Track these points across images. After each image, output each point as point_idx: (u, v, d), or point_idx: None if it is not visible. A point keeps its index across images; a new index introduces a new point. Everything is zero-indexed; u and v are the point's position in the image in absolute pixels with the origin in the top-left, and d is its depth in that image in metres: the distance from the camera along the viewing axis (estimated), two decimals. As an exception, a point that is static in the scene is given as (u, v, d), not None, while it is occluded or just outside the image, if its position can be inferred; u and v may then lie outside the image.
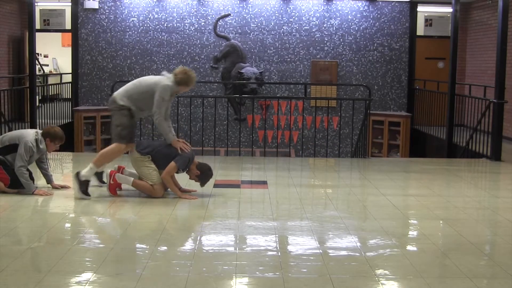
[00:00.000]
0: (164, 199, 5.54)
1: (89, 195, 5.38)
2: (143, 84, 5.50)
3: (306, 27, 12.97)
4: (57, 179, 6.83)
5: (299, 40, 12.99)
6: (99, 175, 5.85)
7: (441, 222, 5.01)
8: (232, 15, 12.89)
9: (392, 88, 13.19)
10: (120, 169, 5.71)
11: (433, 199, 5.68)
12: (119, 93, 5.50)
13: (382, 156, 12.29)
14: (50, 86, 13.23)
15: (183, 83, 5.47)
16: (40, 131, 5.62)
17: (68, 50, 13.87)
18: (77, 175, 5.37)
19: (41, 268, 3.60)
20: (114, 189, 5.55)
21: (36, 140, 5.50)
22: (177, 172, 5.53)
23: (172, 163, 5.42)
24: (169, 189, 5.61)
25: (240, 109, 12.81)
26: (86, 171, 5.39)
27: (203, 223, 4.64)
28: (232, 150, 11.30)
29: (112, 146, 5.48)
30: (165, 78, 5.47)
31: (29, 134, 5.52)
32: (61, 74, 14.64)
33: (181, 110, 11.72)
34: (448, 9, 12.34)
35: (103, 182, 5.80)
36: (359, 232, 4.51)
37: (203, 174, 5.59)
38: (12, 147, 5.45)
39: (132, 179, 5.53)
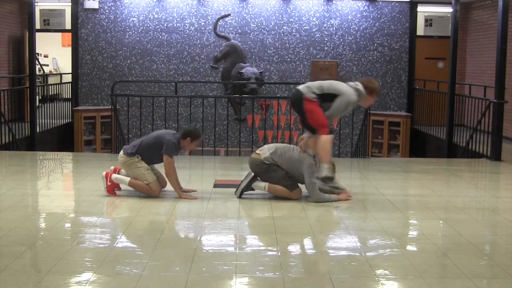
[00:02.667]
0: (164, 199, 5.54)
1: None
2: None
3: (306, 27, 12.97)
4: (57, 179, 6.84)
5: (299, 40, 12.99)
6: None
7: (441, 222, 5.01)
8: (232, 15, 12.89)
9: (392, 88, 13.19)
10: (116, 170, 5.70)
11: (433, 199, 5.68)
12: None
13: (382, 156, 12.29)
14: (50, 86, 13.23)
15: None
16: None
17: (68, 50, 13.87)
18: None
19: (41, 268, 3.60)
20: (112, 189, 5.54)
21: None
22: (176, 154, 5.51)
23: (165, 158, 5.40)
24: (166, 188, 5.61)
25: (240, 109, 12.81)
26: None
27: (203, 223, 4.64)
28: (232, 150, 11.30)
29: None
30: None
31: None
32: (61, 74, 14.64)
33: (181, 110, 11.72)
34: (448, 9, 12.34)
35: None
36: (359, 232, 4.51)
37: (193, 135, 5.51)
38: None
39: (128, 179, 5.53)
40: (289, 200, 5.54)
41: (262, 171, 5.51)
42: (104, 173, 5.58)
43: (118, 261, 3.66)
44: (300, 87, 5.47)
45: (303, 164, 5.42)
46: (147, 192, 5.48)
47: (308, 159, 5.43)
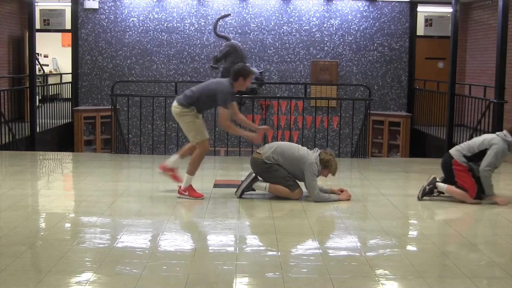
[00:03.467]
0: (164, 199, 5.54)
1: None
2: None
3: (306, 27, 12.97)
4: (57, 179, 6.84)
5: (299, 40, 12.99)
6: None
7: (441, 222, 5.01)
8: (232, 15, 12.89)
9: (392, 88, 13.19)
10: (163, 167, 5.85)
11: (433, 199, 5.67)
12: None
13: (382, 156, 12.29)
14: (50, 86, 13.22)
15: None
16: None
17: (68, 50, 13.87)
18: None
19: (41, 268, 3.60)
20: (176, 176, 5.75)
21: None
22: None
23: (221, 110, 5.45)
24: (167, 188, 5.60)
25: (240, 109, 12.80)
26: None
27: (203, 223, 4.64)
28: (232, 150, 11.29)
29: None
30: (312, 157, 5.49)
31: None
32: (61, 74, 14.64)
33: (181, 110, 11.71)
34: (448, 9, 12.34)
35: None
36: (359, 232, 4.51)
37: (244, 73, 5.52)
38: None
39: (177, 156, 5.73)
40: (289, 200, 5.54)
41: (264, 170, 5.51)
42: (159, 169, 5.76)
43: (118, 261, 3.66)
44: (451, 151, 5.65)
45: (304, 163, 5.41)
46: (202, 154, 5.65)
47: (309, 158, 5.43)
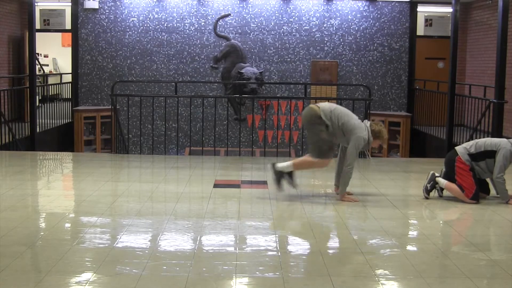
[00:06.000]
0: (164, 199, 5.55)
1: (283, 189, 5.57)
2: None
3: (306, 27, 12.97)
4: (57, 179, 6.84)
5: (299, 40, 12.99)
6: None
7: (441, 222, 5.01)
8: (232, 15, 12.89)
9: (392, 88, 13.19)
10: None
11: (433, 199, 5.68)
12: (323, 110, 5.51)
13: (382, 156, 12.28)
14: (50, 86, 13.23)
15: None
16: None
17: (68, 50, 13.87)
18: (274, 167, 5.58)
19: (41, 268, 3.60)
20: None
21: None
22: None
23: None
24: (167, 188, 5.59)
25: (240, 109, 12.81)
26: (285, 165, 5.56)
27: (203, 223, 4.64)
28: (232, 150, 11.30)
29: (315, 160, 5.53)
30: (363, 132, 5.45)
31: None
32: (61, 74, 14.64)
33: (181, 110, 11.72)
34: (448, 9, 12.34)
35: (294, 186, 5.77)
36: (359, 232, 4.51)
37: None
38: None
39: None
40: (289, 200, 5.54)
41: (312, 124, 5.47)
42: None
43: (118, 261, 3.66)
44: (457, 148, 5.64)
45: (354, 133, 5.38)
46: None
47: (360, 131, 5.40)
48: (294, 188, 5.69)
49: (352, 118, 5.53)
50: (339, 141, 5.59)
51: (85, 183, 6.23)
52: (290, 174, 5.66)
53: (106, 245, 4.06)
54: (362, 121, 5.61)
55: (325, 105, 5.59)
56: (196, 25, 12.91)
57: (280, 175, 5.59)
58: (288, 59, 13.02)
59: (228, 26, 12.93)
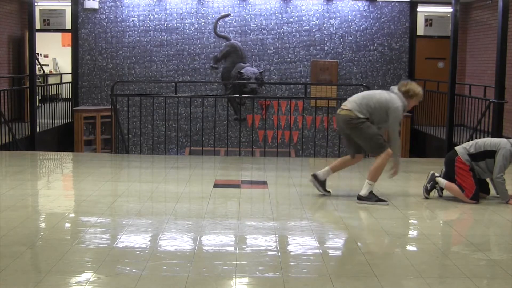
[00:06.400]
0: (164, 199, 5.55)
1: (385, 200, 5.43)
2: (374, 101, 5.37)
3: (306, 27, 12.97)
4: (57, 179, 6.84)
5: (299, 40, 12.99)
6: (323, 184, 5.76)
7: (441, 222, 5.01)
8: (232, 15, 12.89)
9: (392, 88, 13.18)
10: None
11: (433, 199, 5.68)
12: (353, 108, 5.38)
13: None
14: (50, 86, 13.24)
15: (411, 96, 5.40)
16: None
17: (68, 50, 13.87)
18: (360, 197, 5.42)
19: (41, 268, 3.60)
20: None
21: None
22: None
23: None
24: (167, 188, 5.59)
25: (240, 109, 12.81)
26: (365, 189, 5.42)
27: (203, 223, 4.64)
28: (232, 150, 11.30)
29: (381, 157, 5.37)
30: (396, 101, 5.32)
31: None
32: (61, 74, 14.65)
33: (181, 110, 11.72)
34: (448, 9, 12.34)
35: (327, 192, 5.72)
36: (359, 232, 4.51)
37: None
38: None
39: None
40: (289, 200, 5.54)
41: (355, 127, 5.35)
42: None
43: (118, 261, 3.66)
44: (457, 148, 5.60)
45: (389, 107, 5.27)
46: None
47: (393, 102, 5.28)
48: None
49: (377, 94, 5.40)
50: (383, 125, 5.42)
51: (85, 183, 6.22)
52: (321, 183, 5.72)
53: (106, 245, 4.06)
54: (389, 90, 5.47)
55: (351, 102, 5.45)
56: (196, 25, 12.91)
57: (372, 195, 5.46)
58: (288, 59, 13.02)
59: (228, 26, 12.93)
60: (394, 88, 5.46)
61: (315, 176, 5.75)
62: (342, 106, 5.54)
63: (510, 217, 5.02)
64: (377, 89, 13.20)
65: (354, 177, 7.29)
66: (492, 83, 8.97)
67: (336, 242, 4.31)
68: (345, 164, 5.84)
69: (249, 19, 12.94)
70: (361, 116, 5.34)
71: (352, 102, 5.43)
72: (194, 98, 11.98)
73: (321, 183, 5.74)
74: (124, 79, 12.78)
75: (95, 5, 12.76)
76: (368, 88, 9.59)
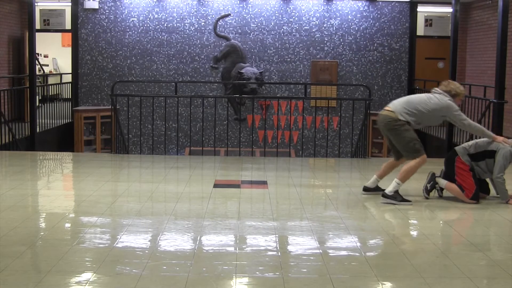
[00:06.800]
0: (164, 199, 5.55)
1: (409, 200, 5.42)
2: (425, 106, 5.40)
3: (306, 27, 12.97)
4: (57, 179, 6.84)
5: (299, 40, 12.99)
6: (377, 189, 5.77)
7: (441, 222, 5.01)
8: (232, 15, 12.90)
9: (392, 88, 13.19)
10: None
11: (433, 199, 5.68)
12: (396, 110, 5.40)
13: (382, 156, 12.29)
14: (50, 86, 13.23)
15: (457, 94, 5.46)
16: None
17: (68, 50, 13.88)
18: (385, 195, 5.41)
19: (41, 268, 3.60)
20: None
21: None
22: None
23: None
24: (167, 188, 5.59)
25: (240, 109, 12.81)
26: (392, 187, 5.41)
27: (203, 223, 4.64)
28: (232, 150, 11.30)
29: (416, 160, 5.43)
30: (444, 98, 5.38)
31: None
32: (61, 74, 14.65)
33: (181, 110, 11.72)
34: (448, 9, 12.34)
35: (382, 189, 5.68)
36: (359, 232, 4.51)
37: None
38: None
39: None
40: (289, 200, 5.54)
41: (393, 129, 5.39)
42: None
43: (118, 261, 3.66)
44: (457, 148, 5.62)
45: (443, 110, 5.34)
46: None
47: (443, 102, 5.33)
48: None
49: (423, 97, 5.42)
50: (428, 124, 5.46)
51: (85, 183, 6.22)
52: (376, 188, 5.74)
53: (106, 245, 4.06)
54: (428, 96, 5.48)
55: (394, 104, 5.49)
56: (196, 25, 12.91)
57: (397, 195, 5.45)
58: (288, 59, 13.02)
59: (228, 26, 12.93)
60: (437, 90, 5.49)
61: (366, 189, 5.78)
62: (385, 107, 5.58)
63: (510, 217, 5.02)
64: (377, 89, 13.24)
65: (354, 177, 7.29)
66: (492, 83, 8.97)
67: (336, 242, 4.31)
68: (391, 168, 5.86)
69: (249, 19, 12.94)
70: (402, 119, 5.37)
71: (396, 104, 5.48)
72: (194, 98, 11.98)
73: (374, 189, 5.76)
74: (124, 79, 12.79)
75: (95, 5, 12.76)
76: (368, 88, 9.61)
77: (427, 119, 5.48)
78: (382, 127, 5.54)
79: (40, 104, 12.16)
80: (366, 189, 5.78)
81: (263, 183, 6.36)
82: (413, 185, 6.27)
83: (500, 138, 5.49)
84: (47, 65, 16.88)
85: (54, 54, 17.21)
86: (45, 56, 17.00)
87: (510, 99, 9.94)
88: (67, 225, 4.64)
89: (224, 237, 4.31)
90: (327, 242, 4.30)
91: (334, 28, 12.98)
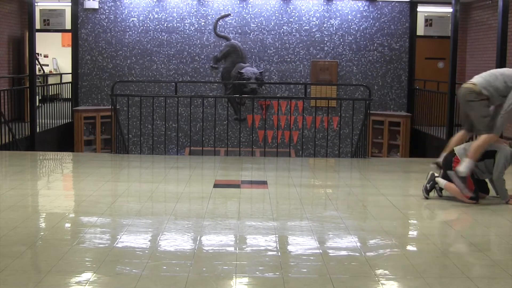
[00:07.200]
0: (164, 199, 5.55)
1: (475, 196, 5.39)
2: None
3: (306, 27, 12.97)
4: (57, 179, 6.84)
5: (299, 40, 12.99)
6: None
7: (441, 222, 5.01)
8: (232, 15, 12.90)
9: (392, 88, 13.19)
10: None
11: (433, 199, 5.68)
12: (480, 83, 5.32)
13: (382, 156, 12.29)
14: (50, 86, 13.24)
15: None
16: None
17: (68, 50, 13.88)
18: (457, 172, 5.35)
19: (41, 268, 3.60)
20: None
21: None
22: None
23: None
24: (167, 189, 5.60)
25: (240, 109, 12.81)
26: (464, 166, 5.33)
27: (203, 223, 4.64)
28: (232, 150, 11.30)
29: (484, 137, 5.33)
30: None
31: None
32: (61, 74, 14.65)
33: (181, 110, 11.72)
34: (448, 9, 12.34)
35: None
36: (359, 232, 4.51)
37: None
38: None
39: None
40: (289, 200, 5.54)
41: (471, 101, 5.33)
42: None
43: (118, 261, 3.66)
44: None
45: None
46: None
47: None
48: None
49: (499, 74, 5.36)
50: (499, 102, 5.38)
51: (85, 183, 6.22)
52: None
53: (106, 245, 4.06)
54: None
55: (477, 77, 5.43)
56: (196, 25, 12.92)
57: (462, 180, 5.40)
58: (288, 59, 13.02)
59: (228, 26, 12.93)
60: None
61: (438, 164, 5.71)
62: (468, 81, 5.52)
63: (510, 217, 5.02)
64: (377, 89, 13.25)
65: (354, 177, 7.29)
66: (492, 83, 8.96)
67: (336, 242, 4.31)
68: (460, 142, 5.76)
69: (249, 19, 12.94)
70: (485, 92, 5.32)
71: (479, 77, 5.43)
72: (194, 98, 11.98)
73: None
74: (124, 79, 12.79)
75: (95, 5, 12.76)
76: (368, 88, 9.61)
77: (498, 99, 5.35)
78: (462, 99, 5.48)
79: (40, 104, 12.16)
80: (438, 164, 5.69)
81: (263, 183, 6.36)
82: (413, 185, 6.28)
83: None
84: (47, 65, 16.88)
85: (54, 54, 17.21)
86: (45, 56, 17.01)
87: (510, 99, 9.93)
88: (67, 225, 4.64)
89: (224, 237, 4.31)
90: (327, 242, 4.30)
91: (334, 28, 12.98)
